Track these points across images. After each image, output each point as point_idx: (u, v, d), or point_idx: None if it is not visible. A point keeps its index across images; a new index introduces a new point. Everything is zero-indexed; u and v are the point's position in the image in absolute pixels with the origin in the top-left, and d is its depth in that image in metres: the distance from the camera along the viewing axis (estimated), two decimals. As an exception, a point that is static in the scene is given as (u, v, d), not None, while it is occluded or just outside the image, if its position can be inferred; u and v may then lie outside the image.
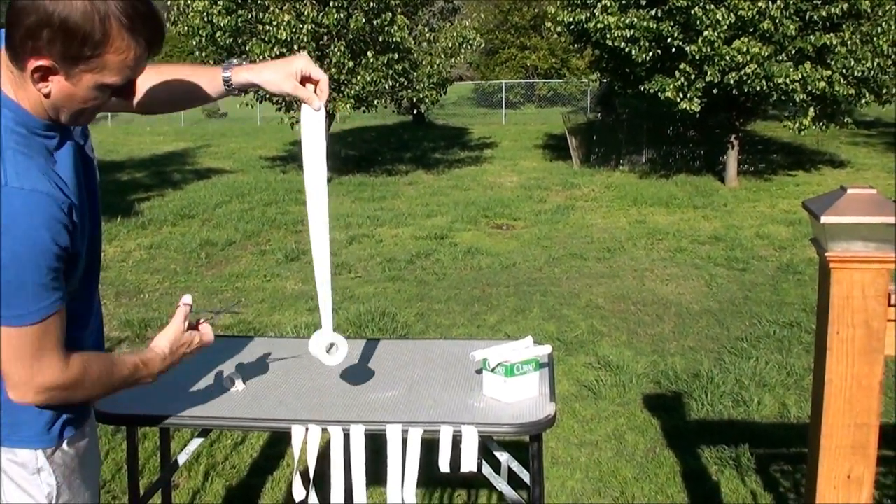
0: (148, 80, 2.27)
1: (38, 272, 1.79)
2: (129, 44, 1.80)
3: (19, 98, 1.84)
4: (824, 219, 2.24)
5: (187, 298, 2.39)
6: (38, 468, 2.01)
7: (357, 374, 2.88)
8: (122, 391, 2.13)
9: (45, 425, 2.01)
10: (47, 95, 1.83)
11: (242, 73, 2.35)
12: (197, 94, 2.39)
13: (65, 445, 2.06)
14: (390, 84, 17.87)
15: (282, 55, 15.43)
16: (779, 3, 15.04)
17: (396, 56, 17.51)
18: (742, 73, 15.39)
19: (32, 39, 1.75)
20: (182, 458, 2.87)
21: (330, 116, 17.80)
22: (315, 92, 2.36)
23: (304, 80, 2.34)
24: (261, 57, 16.03)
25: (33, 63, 1.77)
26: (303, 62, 2.33)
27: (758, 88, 15.63)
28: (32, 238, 1.77)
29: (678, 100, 16.27)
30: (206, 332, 2.39)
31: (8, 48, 1.80)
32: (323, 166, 2.40)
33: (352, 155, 22.78)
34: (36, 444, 2.00)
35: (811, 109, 16.25)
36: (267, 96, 17.93)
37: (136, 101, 2.21)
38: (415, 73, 18.46)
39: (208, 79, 2.38)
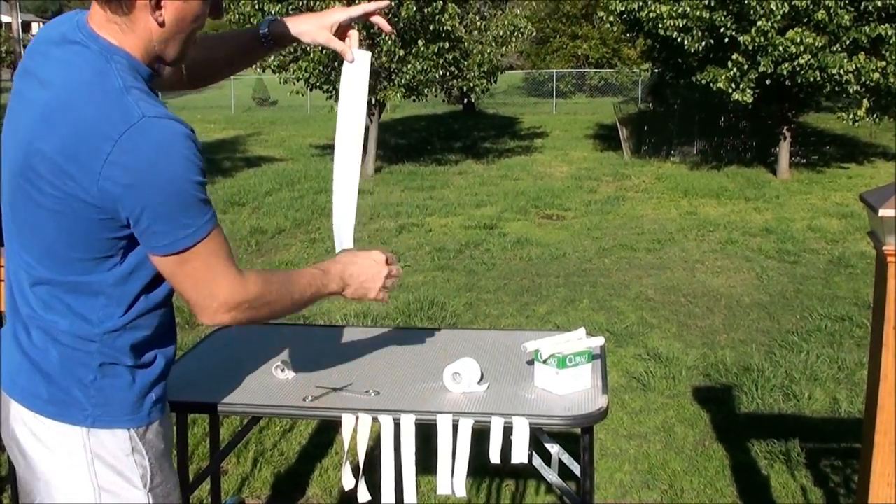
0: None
1: (195, 188, 1.84)
2: None
3: (127, 46, 1.87)
4: (882, 212, 2.21)
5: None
6: (131, 448, 1.97)
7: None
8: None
9: (134, 403, 1.98)
10: (162, 24, 1.86)
11: (280, 26, 2.42)
12: (239, 54, 2.48)
13: (155, 425, 2.03)
14: (441, 73, 17.79)
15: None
16: (833, -8, 14.85)
17: (447, 45, 17.42)
18: (795, 63, 15.19)
19: None
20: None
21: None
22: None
23: (344, 31, 2.45)
24: (313, 47, 16.03)
25: None
26: (340, 15, 2.41)
27: (811, 79, 15.43)
28: (183, 157, 1.81)
29: (730, 90, 16.11)
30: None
31: None
32: (363, 108, 2.49)
33: (401, 144, 22.80)
34: (127, 423, 1.97)
35: (865, 101, 16.00)
36: (317, 84, 17.94)
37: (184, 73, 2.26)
38: (465, 62, 18.37)
39: (248, 38, 2.45)
